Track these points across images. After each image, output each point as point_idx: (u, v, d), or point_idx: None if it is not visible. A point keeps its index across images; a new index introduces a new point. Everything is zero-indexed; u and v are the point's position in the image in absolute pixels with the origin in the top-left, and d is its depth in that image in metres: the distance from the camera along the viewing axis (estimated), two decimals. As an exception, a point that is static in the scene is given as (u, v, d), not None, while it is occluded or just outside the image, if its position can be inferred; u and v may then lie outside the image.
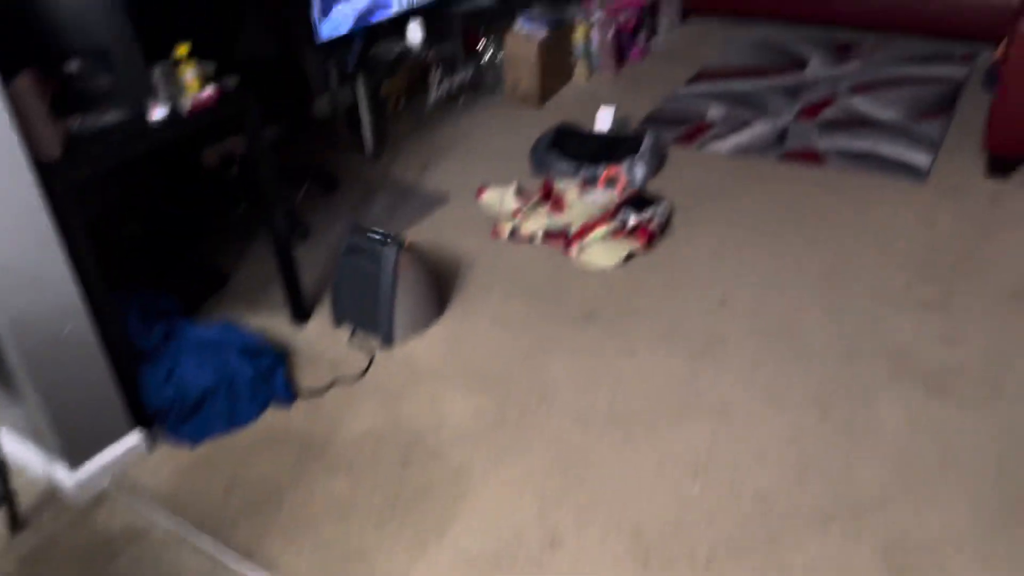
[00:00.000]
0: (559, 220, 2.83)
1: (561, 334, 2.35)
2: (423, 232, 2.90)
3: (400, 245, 2.31)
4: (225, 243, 2.90)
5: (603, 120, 3.38)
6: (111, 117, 1.86)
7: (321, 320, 2.49)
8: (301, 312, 2.47)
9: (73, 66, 1.78)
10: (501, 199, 3.04)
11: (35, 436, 1.88)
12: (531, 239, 2.82)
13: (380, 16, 3.48)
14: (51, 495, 1.91)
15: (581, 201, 2.92)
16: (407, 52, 3.56)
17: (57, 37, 1.73)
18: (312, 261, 2.76)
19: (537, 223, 2.84)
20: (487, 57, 4.19)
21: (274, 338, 2.40)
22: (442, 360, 2.29)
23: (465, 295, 2.56)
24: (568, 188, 2.99)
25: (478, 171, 3.30)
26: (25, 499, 1.88)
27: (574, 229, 2.78)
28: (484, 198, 3.08)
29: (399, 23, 3.59)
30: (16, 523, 1.82)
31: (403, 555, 1.72)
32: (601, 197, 2.97)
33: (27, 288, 1.66)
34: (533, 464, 1.92)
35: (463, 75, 4.03)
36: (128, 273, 2.51)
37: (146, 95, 1.83)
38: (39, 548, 1.79)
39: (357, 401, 2.16)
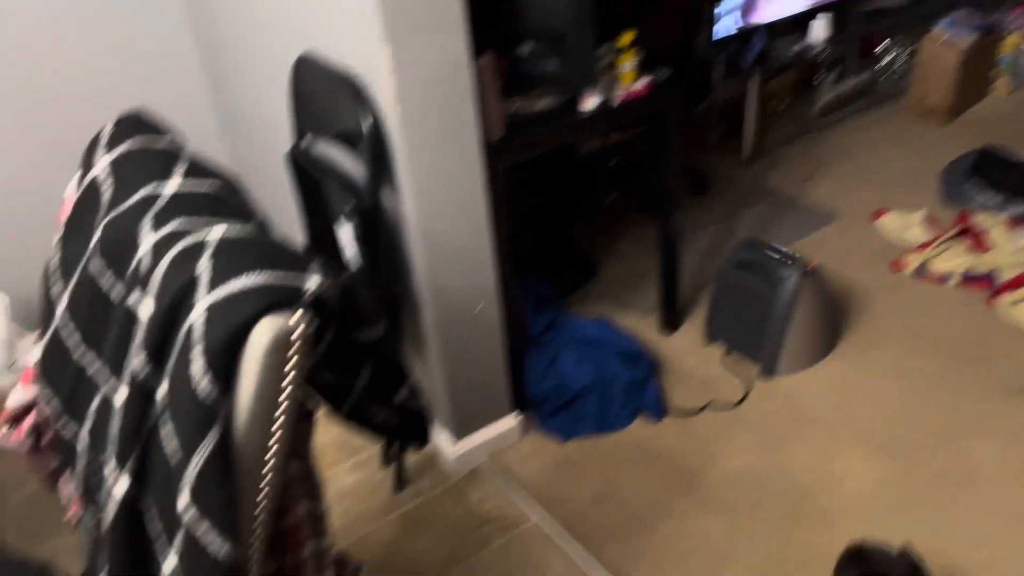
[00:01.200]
0: (983, 262, 2.38)
1: (987, 409, 1.94)
2: (805, 253, 2.60)
3: (804, 268, 2.06)
4: (591, 234, 2.85)
5: (1045, 148, 2.80)
6: (545, 103, 1.84)
7: (691, 331, 2.33)
8: (672, 320, 2.34)
9: (525, 49, 1.78)
10: (904, 227, 2.64)
11: (429, 402, 1.95)
12: (944, 280, 2.40)
13: (783, 13, 3.20)
14: (431, 462, 1.97)
15: (1012, 243, 2.43)
16: (805, 51, 3.24)
17: (517, 20, 1.72)
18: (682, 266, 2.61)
19: (953, 262, 2.41)
20: (886, 61, 3.71)
21: (642, 343, 2.29)
22: (830, 408, 2.01)
23: (858, 335, 2.24)
24: (993, 225, 2.50)
25: (870, 190, 2.91)
26: (408, 461, 1.96)
27: (1004, 276, 2.31)
28: (882, 223, 2.70)
29: (801, 20, 3.28)
30: (401, 483, 1.91)
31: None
32: (1040, 243, 2.45)
33: (456, 263, 1.70)
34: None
35: (857, 80, 3.60)
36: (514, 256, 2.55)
37: (588, 83, 1.78)
38: (418, 511, 1.85)
39: (731, 432, 1.97)
